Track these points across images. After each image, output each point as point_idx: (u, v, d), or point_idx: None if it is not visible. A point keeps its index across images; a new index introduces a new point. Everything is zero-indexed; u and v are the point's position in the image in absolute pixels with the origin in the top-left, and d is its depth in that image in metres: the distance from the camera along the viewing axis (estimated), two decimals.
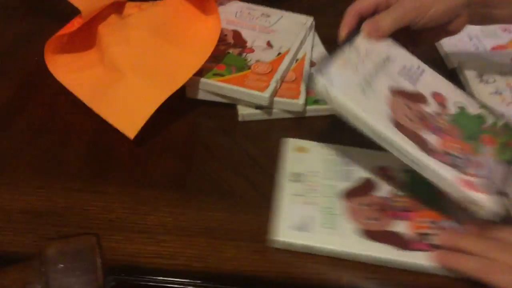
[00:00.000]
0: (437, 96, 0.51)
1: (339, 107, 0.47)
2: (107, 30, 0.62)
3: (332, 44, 0.54)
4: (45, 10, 0.75)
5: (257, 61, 0.62)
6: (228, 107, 0.61)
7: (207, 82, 0.59)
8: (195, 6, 0.65)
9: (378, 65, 0.51)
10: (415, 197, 0.50)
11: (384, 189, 0.51)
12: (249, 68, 0.61)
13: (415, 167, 0.46)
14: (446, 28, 0.55)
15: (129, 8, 0.67)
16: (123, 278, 0.45)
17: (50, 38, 0.61)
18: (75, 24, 0.61)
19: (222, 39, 0.64)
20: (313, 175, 0.52)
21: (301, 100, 0.59)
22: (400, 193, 0.51)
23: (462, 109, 0.51)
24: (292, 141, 0.56)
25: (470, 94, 0.55)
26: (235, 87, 0.58)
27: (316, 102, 0.61)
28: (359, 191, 0.51)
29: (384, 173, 0.52)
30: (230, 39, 0.65)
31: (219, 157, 0.56)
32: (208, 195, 0.52)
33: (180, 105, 0.60)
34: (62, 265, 0.29)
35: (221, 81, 0.59)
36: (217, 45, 0.60)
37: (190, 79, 0.58)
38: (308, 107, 0.60)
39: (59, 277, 0.29)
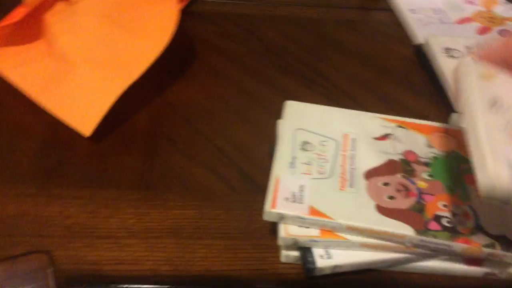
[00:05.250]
0: (408, 155, 0.49)
1: None
2: (55, 19, 0.57)
3: None
4: None
5: None
6: (187, 93, 0.57)
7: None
8: None
9: None
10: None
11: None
12: None
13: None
14: None
15: None
16: None
17: None
18: (18, 13, 0.56)
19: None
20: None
21: None
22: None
23: (435, 158, 0.49)
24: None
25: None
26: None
27: None
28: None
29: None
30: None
31: (184, 150, 0.53)
32: (174, 192, 0.49)
33: (139, 95, 0.57)
34: None
35: None
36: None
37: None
38: None
39: None
